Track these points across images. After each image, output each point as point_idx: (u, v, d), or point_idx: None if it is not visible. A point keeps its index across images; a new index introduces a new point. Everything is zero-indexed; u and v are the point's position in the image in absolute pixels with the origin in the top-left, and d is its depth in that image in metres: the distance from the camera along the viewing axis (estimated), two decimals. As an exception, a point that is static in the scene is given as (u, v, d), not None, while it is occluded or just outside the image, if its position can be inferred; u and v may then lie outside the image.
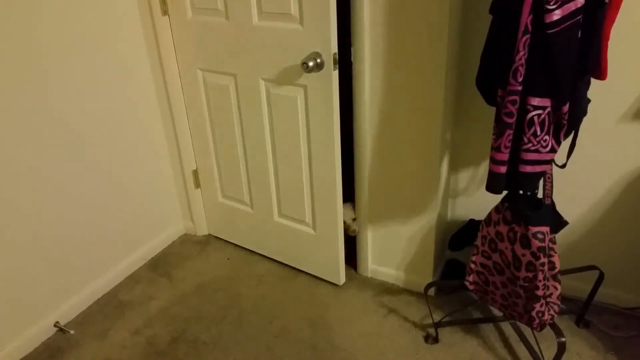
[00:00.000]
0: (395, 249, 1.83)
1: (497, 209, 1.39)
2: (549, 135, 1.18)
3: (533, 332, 1.58)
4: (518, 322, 1.64)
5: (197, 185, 2.14)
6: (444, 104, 1.49)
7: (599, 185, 1.58)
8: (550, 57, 1.09)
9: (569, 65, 1.11)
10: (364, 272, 1.96)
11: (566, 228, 1.64)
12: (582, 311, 1.64)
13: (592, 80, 1.24)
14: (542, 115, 1.15)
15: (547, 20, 1.05)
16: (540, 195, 1.34)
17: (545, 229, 1.28)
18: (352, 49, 1.56)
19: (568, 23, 1.06)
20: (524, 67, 1.11)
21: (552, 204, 1.37)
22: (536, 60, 1.10)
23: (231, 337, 1.70)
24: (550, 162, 1.26)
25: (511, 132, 1.17)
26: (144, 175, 2.01)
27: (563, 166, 1.38)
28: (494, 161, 1.21)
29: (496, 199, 1.46)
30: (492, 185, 1.24)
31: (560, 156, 1.42)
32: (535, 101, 1.14)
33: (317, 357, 1.61)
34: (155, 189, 2.09)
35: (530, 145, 1.18)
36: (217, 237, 2.24)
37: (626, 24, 1.33)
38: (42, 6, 1.51)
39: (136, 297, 1.91)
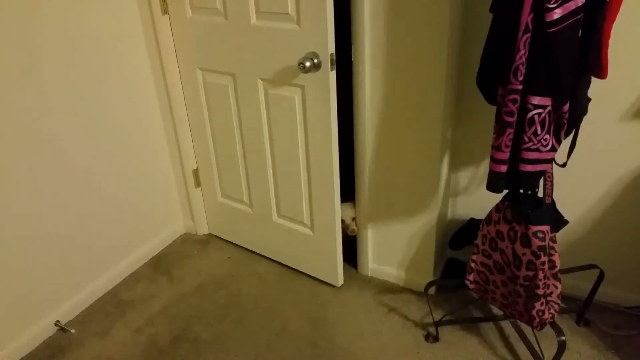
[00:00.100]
0: (396, 248, 1.84)
1: (497, 208, 1.39)
2: (549, 134, 1.18)
3: (533, 331, 1.58)
4: (518, 321, 1.64)
5: (198, 184, 2.14)
6: (444, 103, 1.49)
7: (599, 184, 1.57)
8: (550, 56, 1.09)
9: (569, 64, 1.11)
10: (364, 271, 1.96)
11: (567, 227, 1.64)
12: (582, 310, 1.64)
13: (593, 79, 1.24)
14: (543, 114, 1.15)
15: (548, 19, 1.05)
16: (540, 194, 1.34)
17: (546, 227, 1.28)
18: (352, 48, 1.55)
19: (568, 22, 1.06)
20: (524, 66, 1.11)
21: (553, 203, 1.37)
22: (537, 59, 1.10)
23: (232, 336, 1.71)
24: (551, 161, 1.26)
25: (512, 131, 1.17)
26: (144, 175, 2.02)
27: (563, 165, 1.38)
28: (494, 160, 1.21)
29: (496, 198, 1.46)
30: (493, 184, 1.24)
31: (560, 155, 1.42)
32: (536, 100, 1.14)
33: (318, 355, 1.61)
34: (155, 188, 2.09)
35: (530, 144, 1.18)
36: (217, 237, 2.24)
37: (627, 22, 1.33)
38: (42, 5, 1.51)
39: (137, 296, 1.91)
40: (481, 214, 1.73)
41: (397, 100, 1.56)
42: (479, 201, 1.79)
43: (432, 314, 1.72)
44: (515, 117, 1.16)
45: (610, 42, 1.14)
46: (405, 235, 1.78)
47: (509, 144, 1.18)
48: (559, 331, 1.38)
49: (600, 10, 1.08)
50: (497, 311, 1.73)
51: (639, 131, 1.46)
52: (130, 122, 1.89)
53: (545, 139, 1.18)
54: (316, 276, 1.93)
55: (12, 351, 1.63)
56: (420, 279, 1.82)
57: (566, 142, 1.32)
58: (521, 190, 1.32)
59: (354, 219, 1.87)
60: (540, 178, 1.27)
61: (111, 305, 1.87)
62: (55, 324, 1.75)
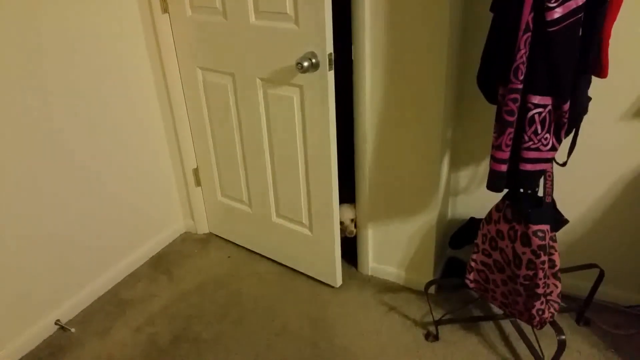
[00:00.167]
0: (396, 247, 1.84)
1: (497, 207, 1.39)
2: (549, 133, 1.18)
3: (533, 330, 1.58)
4: (518, 320, 1.64)
5: (198, 183, 2.14)
6: (444, 102, 1.49)
7: (599, 184, 1.58)
8: (551, 55, 1.09)
9: (569, 64, 1.11)
10: (364, 270, 1.96)
11: (567, 226, 1.64)
12: (582, 309, 1.64)
13: (593, 78, 1.24)
14: (543, 114, 1.15)
15: (548, 18, 1.05)
16: (540, 193, 1.34)
17: (546, 227, 1.29)
18: (352, 47, 1.55)
19: (569, 21, 1.06)
20: (525, 65, 1.11)
21: (553, 202, 1.37)
22: (537, 58, 1.10)
23: (232, 335, 1.71)
24: (551, 160, 1.26)
25: (512, 130, 1.17)
26: (144, 174, 2.02)
27: (564, 164, 1.38)
28: (494, 159, 1.21)
29: (497, 197, 1.46)
30: (493, 183, 1.24)
31: (560, 154, 1.42)
32: (536, 99, 1.14)
33: (318, 355, 1.61)
34: (156, 187, 2.09)
35: (531, 143, 1.18)
36: (217, 236, 2.24)
37: (627, 22, 1.33)
38: (42, 5, 1.51)
39: (137, 295, 1.91)
40: (481, 213, 1.73)
41: (397, 99, 1.56)
42: (479, 200, 1.79)
43: (432, 313, 1.72)
44: (516, 116, 1.16)
45: (610, 41, 1.14)
46: (406, 235, 1.78)
47: (510, 143, 1.18)
48: (558, 330, 1.38)
49: (601, 10, 1.08)
50: (497, 310, 1.73)
51: (639, 130, 1.46)
52: (130, 121, 1.89)
53: (546, 138, 1.18)
54: (315, 277, 1.93)
55: (13, 350, 1.63)
56: (420, 278, 1.82)
57: (566, 142, 1.32)
58: (521, 190, 1.32)
59: (352, 220, 1.87)
60: (541, 177, 1.27)
61: (111, 305, 1.87)
62: (56, 323, 1.75)
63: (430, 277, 1.80)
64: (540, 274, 1.30)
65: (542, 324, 1.39)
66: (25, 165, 1.56)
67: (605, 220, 1.62)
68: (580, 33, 1.09)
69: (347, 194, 1.90)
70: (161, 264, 2.09)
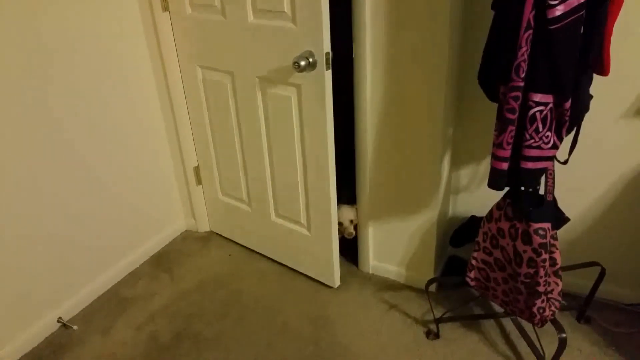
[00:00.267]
0: (397, 246, 1.84)
1: (498, 205, 1.39)
2: (551, 131, 1.18)
3: (534, 328, 1.58)
4: (519, 318, 1.64)
5: (199, 182, 2.14)
6: (445, 101, 1.49)
7: (600, 182, 1.57)
8: (552, 53, 1.08)
9: (571, 61, 1.10)
10: (365, 268, 1.96)
11: (568, 224, 1.64)
12: (583, 307, 1.64)
13: (595, 76, 1.23)
14: (544, 112, 1.15)
15: (550, 16, 1.04)
16: (542, 191, 1.34)
17: (547, 225, 1.28)
18: (353, 46, 1.55)
19: (570, 19, 1.05)
20: (526, 63, 1.10)
21: (554, 200, 1.37)
22: (538, 56, 1.10)
23: (233, 334, 1.71)
24: (552, 158, 1.26)
25: (513, 128, 1.17)
26: (145, 172, 2.02)
27: (565, 162, 1.38)
28: (495, 157, 1.21)
29: (498, 195, 1.46)
30: (494, 181, 1.24)
31: (562, 152, 1.42)
32: (538, 97, 1.13)
33: (319, 353, 1.61)
34: (157, 185, 2.09)
35: (532, 141, 1.17)
36: (218, 234, 2.24)
37: (629, 20, 1.33)
38: (42, 4, 1.50)
39: (138, 294, 1.91)
40: (482, 212, 1.73)
41: (398, 98, 1.55)
42: (480, 199, 1.79)
43: (432, 311, 1.72)
44: (517, 114, 1.15)
45: (612, 39, 1.14)
46: (406, 233, 1.78)
47: (511, 141, 1.18)
48: (559, 328, 1.38)
49: (603, 8, 1.08)
50: (497, 308, 1.73)
51: (640, 128, 1.45)
52: (131, 120, 1.89)
53: (547, 137, 1.18)
54: (313, 276, 1.92)
55: (15, 348, 1.63)
56: (421, 276, 1.82)
57: (568, 140, 1.32)
58: (522, 188, 1.32)
59: (352, 221, 1.86)
60: (542, 175, 1.27)
61: (112, 303, 1.87)
62: (58, 321, 1.75)
63: (431, 275, 1.80)
64: (541, 272, 1.30)
65: (543, 322, 1.39)
66: (26, 164, 1.56)
67: (606, 219, 1.62)
68: (582, 30, 1.09)
69: (348, 195, 1.90)
70: (162, 262, 2.09)
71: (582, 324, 1.65)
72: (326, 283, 1.89)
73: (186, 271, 2.03)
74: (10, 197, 1.54)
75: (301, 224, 1.85)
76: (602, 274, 1.54)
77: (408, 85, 1.51)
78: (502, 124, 1.18)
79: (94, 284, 1.88)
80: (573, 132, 1.31)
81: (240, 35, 1.63)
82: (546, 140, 1.18)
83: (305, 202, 1.78)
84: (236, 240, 2.17)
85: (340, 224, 1.84)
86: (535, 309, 1.36)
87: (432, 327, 1.68)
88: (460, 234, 1.81)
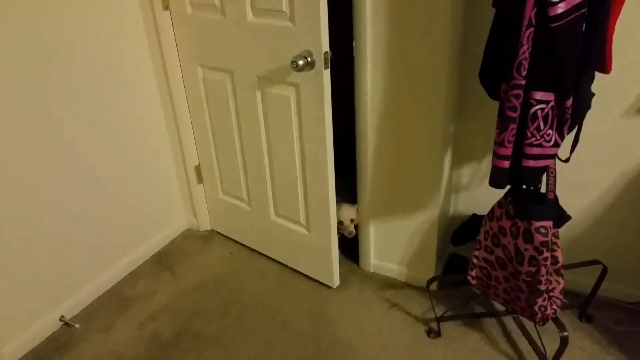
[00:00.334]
0: (398, 244, 1.84)
1: (499, 203, 1.39)
2: (552, 129, 1.18)
3: (535, 327, 1.58)
4: (520, 317, 1.64)
5: (200, 180, 2.15)
6: (446, 99, 1.49)
7: (602, 180, 1.57)
8: (554, 51, 1.08)
9: (572, 59, 1.10)
10: (366, 267, 1.96)
11: (569, 222, 1.64)
12: (584, 306, 1.64)
13: (596, 74, 1.23)
14: (546, 110, 1.14)
15: (551, 14, 1.04)
16: (543, 189, 1.34)
17: (548, 223, 1.28)
18: (353, 45, 1.55)
19: (572, 16, 1.05)
20: (527, 61, 1.10)
21: (555, 198, 1.37)
22: (540, 54, 1.09)
23: (234, 332, 1.71)
24: (554, 156, 1.25)
25: (515, 126, 1.17)
26: (146, 171, 2.02)
27: (566, 160, 1.38)
28: (497, 156, 1.21)
29: (499, 193, 1.46)
30: (495, 179, 1.24)
31: (563, 150, 1.42)
32: (539, 95, 1.13)
33: (319, 352, 1.61)
34: (158, 184, 2.09)
35: (533, 139, 1.17)
36: (219, 233, 2.25)
37: (631, 17, 1.32)
38: (43, 4, 1.51)
39: (140, 292, 1.92)
40: (483, 210, 1.73)
41: (398, 96, 1.55)
42: (481, 197, 1.78)
43: (434, 310, 1.72)
44: (518, 112, 1.15)
45: (613, 37, 1.13)
46: (407, 231, 1.78)
47: (512, 139, 1.18)
48: (561, 327, 1.38)
49: (604, 5, 1.07)
50: (499, 307, 1.73)
51: (642, 126, 1.45)
52: (132, 119, 1.89)
53: (548, 135, 1.18)
54: (312, 276, 1.92)
55: (18, 346, 1.64)
56: (422, 274, 1.82)
57: (569, 138, 1.31)
58: (524, 186, 1.32)
59: (352, 220, 1.85)
60: (543, 174, 1.26)
61: (114, 301, 1.88)
62: (60, 319, 1.76)
63: (432, 274, 1.80)
64: (543, 271, 1.30)
65: (544, 320, 1.38)
66: (27, 164, 1.57)
67: (608, 217, 1.61)
68: (584, 28, 1.09)
69: (348, 194, 1.90)
70: (163, 261, 2.09)
71: (583, 322, 1.64)
72: (325, 283, 1.89)
73: (187, 270, 2.03)
74: (10, 197, 1.54)
75: (301, 223, 1.85)
76: (604, 272, 1.54)
77: (409, 83, 1.51)
78: (503, 122, 1.18)
79: (95, 283, 1.89)
80: (575, 130, 1.30)
81: (240, 35, 1.63)
82: (547, 139, 1.18)
83: (304, 201, 1.78)
84: (237, 239, 2.18)
85: (340, 222, 1.83)
86: (536, 308, 1.36)
87: (433, 325, 1.68)
88: (461, 232, 1.81)
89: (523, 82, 1.12)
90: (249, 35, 1.60)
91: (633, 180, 1.53)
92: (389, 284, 1.89)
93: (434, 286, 1.83)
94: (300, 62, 1.41)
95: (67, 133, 1.67)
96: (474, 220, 1.75)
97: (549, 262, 1.31)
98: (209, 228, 2.27)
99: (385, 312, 1.75)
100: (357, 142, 1.72)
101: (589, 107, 1.28)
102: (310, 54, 1.44)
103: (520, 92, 1.13)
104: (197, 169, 2.12)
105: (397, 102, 1.57)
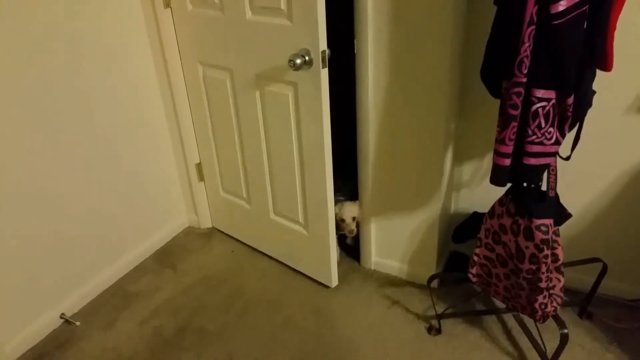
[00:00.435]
0: (399, 242, 1.84)
1: (500, 201, 1.39)
2: (553, 127, 1.18)
3: (536, 324, 1.58)
4: (521, 314, 1.64)
5: (201, 178, 2.15)
6: (448, 96, 1.49)
7: (603, 178, 1.57)
8: (555, 49, 1.08)
9: (574, 57, 1.10)
10: (367, 264, 1.96)
11: (570, 220, 1.64)
12: (585, 303, 1.64)
13: (598, 71, 1.23)
14: (547, 107, 1.15)
15: (553, 11, 1.04)
16: (544, 187, 1.34)
17: (549, 221, 1.28)
18: (354, 42, 1.54)
19: (574, 14, 1.05)
20: (529, 59, 1.10)
21: (556, 196, 1.37)
22: (541, 51, 1.09)
23: (236, 327, 1.72)
24: (555, 154, 1.26)
25: (516, 124, 1.17)
26: (148, 169, 2.02)
27: (567, 158, 1.38)
28: (498, 153, 1.21)
29: (500, 191, 1.46)
30: (496, 177, 1.24)
31: (564, 148, 1.42)
32: (540, 93, 1.13)
33: (321, 347, 1.62)
34: (159, 182, 2.09)
35: (534, 137, 1.17)
36: (220, 231, 2.25)
37: (633, 15, 1.32)
38: (43, 2, 1.51)
39: (142, 289, 1.92)
40: (484, 208, 1.73)
41: (399, 94, 1.55)
42: (482, 195, 1.79)
43: (434, 307, 1.73)
44: (520, 110, 1.15)
45: (615, 34, 1.13)
46: (408, 229, 1.79)
47: (513, 137, 1.18)
48: (561, 324, 1.38)
49: (606, 3, 1.07)
50: (499, 304, 1.73)
51: (643, 124, 1.45)
52: (133, 116, 1.90)
53: (549, 132, 1.18)
54: (311, 275, 1.92)
55: (19, 343, 1.65)
56: (423, 272, 1.83)
57: (570, 135, 1.31)
58: (525, 184, 1.32)
59: (354, 219, 1.83)
60: (544, 171, 1.27)
61: (116, 298, 1.88)
62: (61, 317, 1.76)
63: (433, 271, 1.81)
64: (543, 268, 1.30)
65: (544, 317, 1.39)
66: (28, 162, 1.57)
67: (608, 215, 1.62)
68: (585, 26, 1.09)
69: (350, 193, 1.90)
70: (165, 258, 2.10)
71: (583, 319, 1.65)
72: (324, 283, 1.88)
73: (189, 267, 2.03)
74: (12, 194, 1.54)
75: (299, 223, 1.84)
76: (604, 269, 1.54)
77: (410, 82, 1.51)
78: (504, 119, 1.18)
79: (96, 280, 1.89)
80: (576, 128, 1.30)
81: (239, 32, 1.62)
82: (548, 136, 1.18)
83: (302, 201, 1.77)
84: (237, 238, 2.18)
85: (342, 220, 1.83)
86: (537, 305, 1.37)
87: (434, 322, 1.68)
88: (462, 230, 1.81)
89: (524, 80, 1.12)
90: (248, 33, 1.59)
91: (634, 178, 1.53)
92: (390, 281, 1.89)
93: (434, 284, 1.83)
94: (298, 61, 1.40)
95: (69, 130, 1.67)
96: (475, 218, 1.75)
97: (549, 260, 1.31)
98: (210, 225, 2.27)
99: (387, 310, 1.76)
100: (358, 139, 1.72)
101: (590, 104, 1.28)
102: (308, 53, 1.43)
103: (522, 89, 1.13)
104: (198, 166, 2.12)
105: (398, 99, 1.56)
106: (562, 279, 1.41)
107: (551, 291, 1.39)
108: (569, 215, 1.45)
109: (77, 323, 1.77)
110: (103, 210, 1.86)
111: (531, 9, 1.06)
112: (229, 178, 2.03)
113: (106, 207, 1.87)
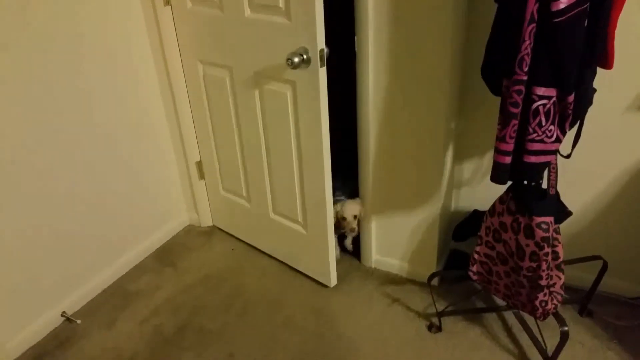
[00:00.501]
0: (399, 240, 1.84)
1: (501, 199, 1.39)
2: (554, 125, 1.18)
3: (536, 322, 1.59)
4: (521, 312, 1.65)
5: (201, 176, 2.15)
6: (448, 96, 1.48)
7: (603, 176, 1.57)
8: (556, 47, 1.08)
9: (575, 55, 1.10)
10: (367, 262, 1.96)
11: (570, 218, 1.64)
12: (585, 301, 1.65)
13: (598, 70, 1.23)
14: (548, 105, 1.14)
15: (554, 9, 1.04)
16: (544, 185, 1.34)
17: (550, 219, 1.28)
18: (355, 39, 1.54)
19: (574, 12, 1.05)
20: (529, 57, 1.10)
21: (557, 194, 1.37)
22: (542, 49, 1.09)
23: (236, 327, 1.72)
24: (555, 152, 1.26)
25: (516, 122, 1.17)
26: (148, 167, 2.02)
27: (568, 156, 1.38)
28: (498, 151, 1.21)
29: (500, 189, 1.46)
30: (497, 175, 1.24)
31: (565, 146, 1.42)
32: (541, 91, 1.13)
33: (322, 345, 1.62)
34: (160, 180, 2.09)
35: (535, 135, 1.17)
36: (220, 229, 2.25)
37: (633, 14, 1.32)
38: (43, 5, 1.51)
39: (142, 287, 1.92)
40: (485, 206, 1.73)
41: (400, 92, 1.55)
42: (482, 193, 1.79)
43: (435, 305, 1.73)
44: (520, 108, 1.15)
45: (616, 32, 1.13)
46: (409, 227, 1.79)
47: (514, 135, 1.18)
48: (561, 321, 1.39)
49: (607, 1, 1.07)
50: (500, 302, 1.73)
51: (644, 122, 1.45)
52: (134, 114, 1.89)
53: (550, 130, 1.18)
54: (310, 275, 1.91)
55: (20, 342, 1.65)
56: (423, 270, 1.83)
57: (571, 133, 1.31)
58: (525, 182, 1.32)
59: (356, 217, 1.81)
60: (545, 169, 1.27)
61: (117, 296, 1.89)
62: (62, 315, 1.76)
63: (434, 269, 1.81)
64: (544, 266, 1.31)
65: (545, 315, 1.39)
66: (30, 161, 1.57)
67: (609, 212, 1.62)
68: (586, 23, 1.08)
69: (350, 192, 1.89)
70: (165, 256, 2.10)
71: (584, 317, 1.65)
72: (323, 282, 1.88)
73: (189, 265, 2.04)
74: (13, 193, 1.54)
75: (298, 222, 1.84)
76: (604, 267, 1.54)
77: (410, 81, 1.51)
78: (505, 117, 1.18)
79: (97, 279, 1.90)
80: (576, 126, 1.30)
81: (238, 31, 1.62)
82: (549, 134, 1.18)
83: (301, 200, 1.77)
84: (238, 236, 2.18)
85: (343, 219, 1.82)
86: (537, 303, 1.37)
87: (435, 320, 1.68)
88: (462, 228, 1.81)
89: (525, 78, 1.12)
90: (247, 31, 1.59)
91: (634, 176, 1.53)
92: (391, 279, 1.89)
93: (435, 281, 1.83)
94: (296, 60, 1.39)
95: (69, 130, 1.67)
96: (475, 216, 1.75)
97: (549, 258, 1.31)
98: (210, 224, 2.27)
99: (387, 308, 1.76)
100: (358, 138, 1.72)
101: (590, 102, 1.28)
102: (306, 51, 1.42)
103: (522, 87, 1.13)
104: (199, 164, 2.12)
105: (398, 99, 1.56)
106: (563, 277, 1.41)
107: (551, 289, 1.39)
108: (569, 213, 1.45)
109: (78, 321, 1.77)
110: (103, 209, 1.86)
111: (532, 6, 1.05)
112: (229, 176, 2.03)
113: (106, 205, 1.87)
